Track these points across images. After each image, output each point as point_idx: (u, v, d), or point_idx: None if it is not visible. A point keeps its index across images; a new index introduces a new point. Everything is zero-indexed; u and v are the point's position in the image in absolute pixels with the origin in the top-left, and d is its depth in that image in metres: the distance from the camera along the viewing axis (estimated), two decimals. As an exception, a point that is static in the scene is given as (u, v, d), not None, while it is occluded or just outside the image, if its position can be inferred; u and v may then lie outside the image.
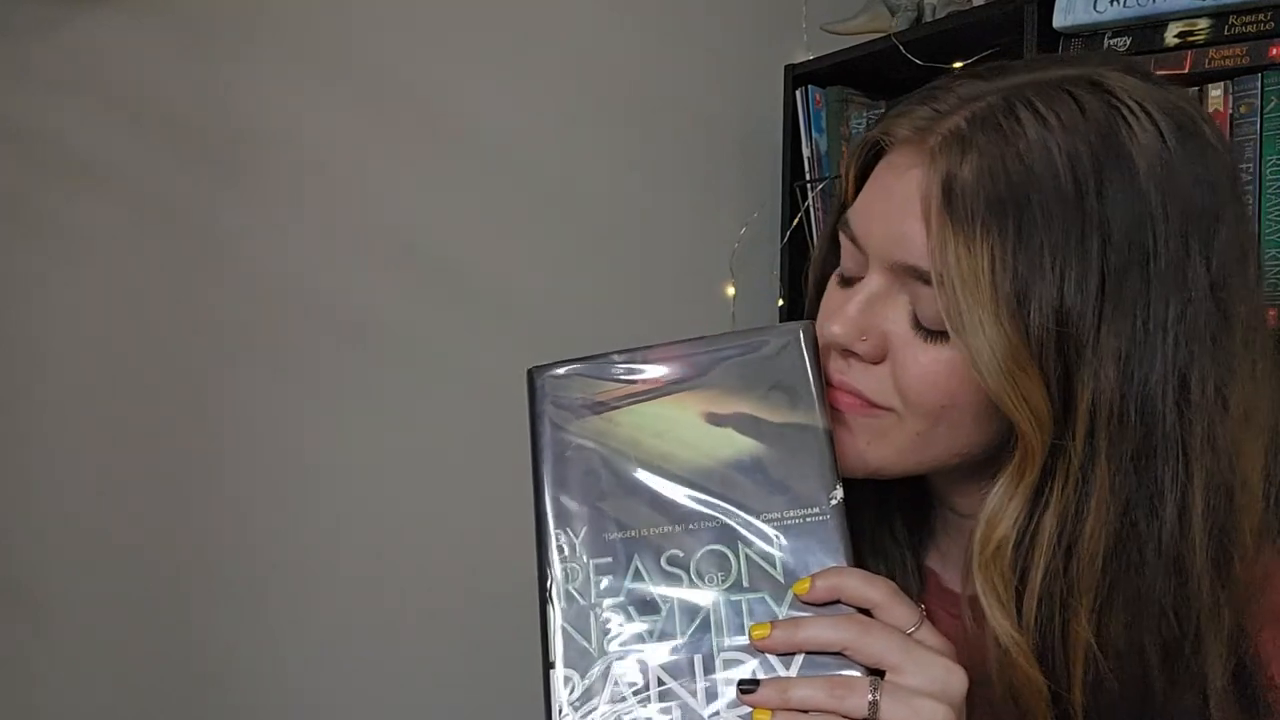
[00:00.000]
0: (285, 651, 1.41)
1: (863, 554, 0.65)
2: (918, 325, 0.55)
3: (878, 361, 0.56)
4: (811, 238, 1.63)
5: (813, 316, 0.62)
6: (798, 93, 1.63)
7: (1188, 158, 0.52)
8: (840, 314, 0.56)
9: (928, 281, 0.53)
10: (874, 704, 0.48)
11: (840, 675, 0.50)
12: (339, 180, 1.42)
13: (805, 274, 0.67)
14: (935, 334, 0.54)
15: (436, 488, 1.50)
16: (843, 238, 0.59)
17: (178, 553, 1.34)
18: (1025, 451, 0.52)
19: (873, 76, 1.61)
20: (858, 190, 0.60)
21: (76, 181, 1.27)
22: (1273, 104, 1.08)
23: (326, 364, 1.42)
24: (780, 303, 1.66)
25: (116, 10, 1.28)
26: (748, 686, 0.50)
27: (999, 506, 0.54)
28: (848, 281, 0.59)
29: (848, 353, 0.57)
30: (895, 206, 0.55)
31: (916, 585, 0.66)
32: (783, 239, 1.65)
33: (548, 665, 0.54)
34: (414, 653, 1.48)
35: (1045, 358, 0.51)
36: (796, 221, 1.64)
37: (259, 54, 1.37)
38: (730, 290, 1.69)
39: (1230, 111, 1.10)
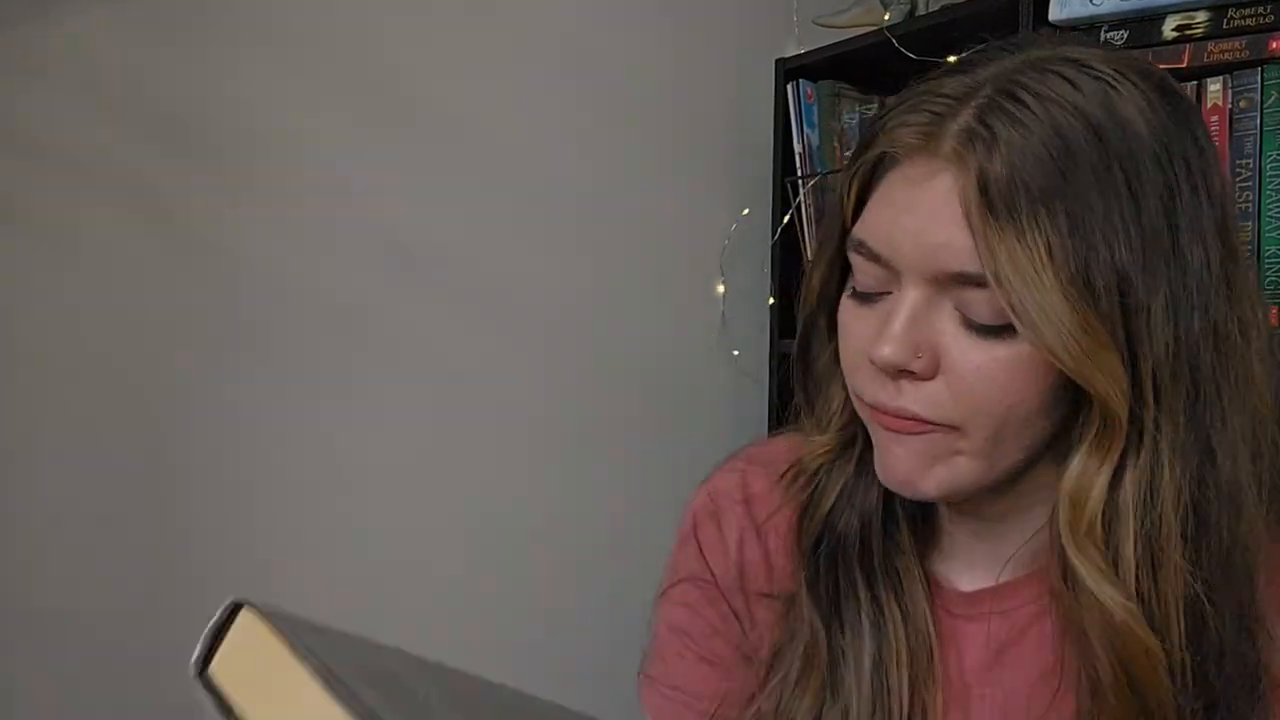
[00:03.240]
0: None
1: (872, 567, 0.64)
2: (970, 327, 0.54)
3: (931, 376, 0.55)
4: (803, 234, 1.60)
5: (832, 346, 0.62)
6: (789, 87, 1.61)
7: (1172, 113, 0.54)
8: (887, 335, 0.55)
9: (979, 284, 0.53)
10: None
11: None
12: (330, 176, 1.40)
13: (801, 296, 0.65)
14: (991, 332, 0.54)
15: (431, 487, 1.48)
16: (858, 258, 0.58)
17: (167, 550, 1.32)
18: (1108, 424, 0.53)
19: (865, 70, 1.59)
20: (857, 208, 0.58)
21: (60, 176, 1.25)
22: (1273, 98, 1.06)
23: (320, 362, 1.41)
24: (771, 301, 1.64)
25: (102, 2, 1.25)
26: None
27: (1084, 483, 0.54)
28: (866, 298, 0.58)
29: (900, 373, 0.56)
30: (926, 218, 0.54)
31: (924, 591, 0.65)
32: (774, 236, 1.63)
33: None
34: (409, 649, 1.46)
35: (1114, 328, 0.52)
36: (788, 218, 1.61)
37: (248, 48, 1.35)
38: (720, 288, 1.68)
39: (1229, 106, 1.08)
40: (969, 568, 0.66)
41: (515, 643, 1.53)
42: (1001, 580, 0.64)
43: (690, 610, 0.72)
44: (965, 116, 0.53)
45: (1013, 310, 0.51)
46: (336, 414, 1.42)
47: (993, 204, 0.51)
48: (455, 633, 1.50)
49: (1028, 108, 0.52)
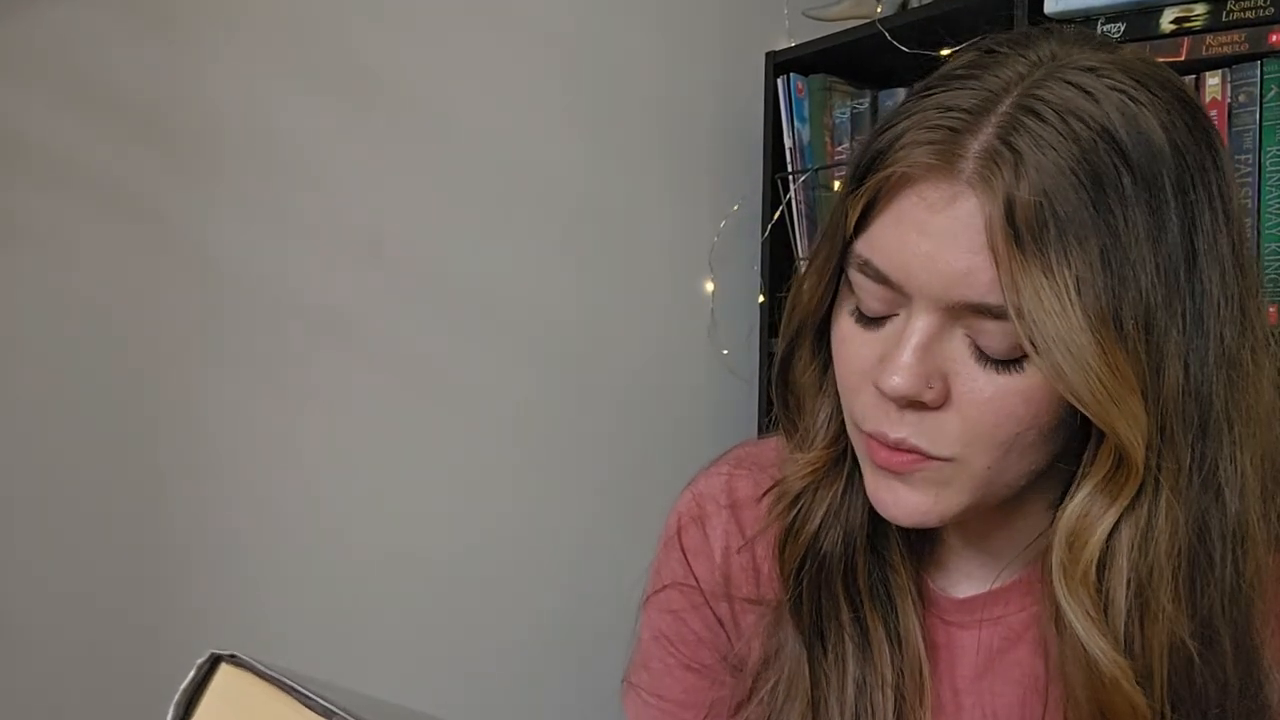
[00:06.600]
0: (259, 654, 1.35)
1: (857, 588, 0.62)
2: (982, 358, 0.51)
3: (940, 406, 0.53)
4: (794, 231, 1.58)
5: (818, 361, 0.60)
6: (779, 81, 1.58)
7: (1193, 126, 0.51)
8: (897, 364, 0.52)
9: (996, 316, 0.49)
10: None
11: None
12: (313, 175, 1.37)
13: (787, 308, 0.62)
14: (1004, 364, 0.51)
15: (414, 484, 1.46)
16: (862, 278, 0.54)
17: (150, 554, 1.29)
18: (1122, 467, 0.50)
19: (857, 64, 1.57)
20: (859, 221, 0.55)
21: (38, 174, 1.22)
22: (1272, 92, 1.04)
23: (304, 362, 1.37)
24: (761, 299, 1.62)
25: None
26: None
27: (1086, 524, 0.52)
28: (869, 319, 0.55)
29: (908, 403, 0.53)
30: (945, 243, 0.50)
31: (916, 607, 0.64)
32: (764, 233, 1.61)
33: None
34: (393, 654, 1.43)
35: (1140, 367, 0.48)
36: (778, 215, 1.59)
37: (230, 43, 1.32)
38: (710, 286, 1.66)
39: (1229, 100, 1.07)
40: (965, 576, 0.65)
41: (500, 644, 1.50)
42: (994, 586, 0.63)
43: (675, 617, 0.70)
44: (986, 135, 0.49)
45: (1034, 348, 0.48)
46: (323, 414, 1.39)
47: (1019, 233, 0.47)
48: (441, 632, 1.48)
49: (1052, 126, 0.49)
